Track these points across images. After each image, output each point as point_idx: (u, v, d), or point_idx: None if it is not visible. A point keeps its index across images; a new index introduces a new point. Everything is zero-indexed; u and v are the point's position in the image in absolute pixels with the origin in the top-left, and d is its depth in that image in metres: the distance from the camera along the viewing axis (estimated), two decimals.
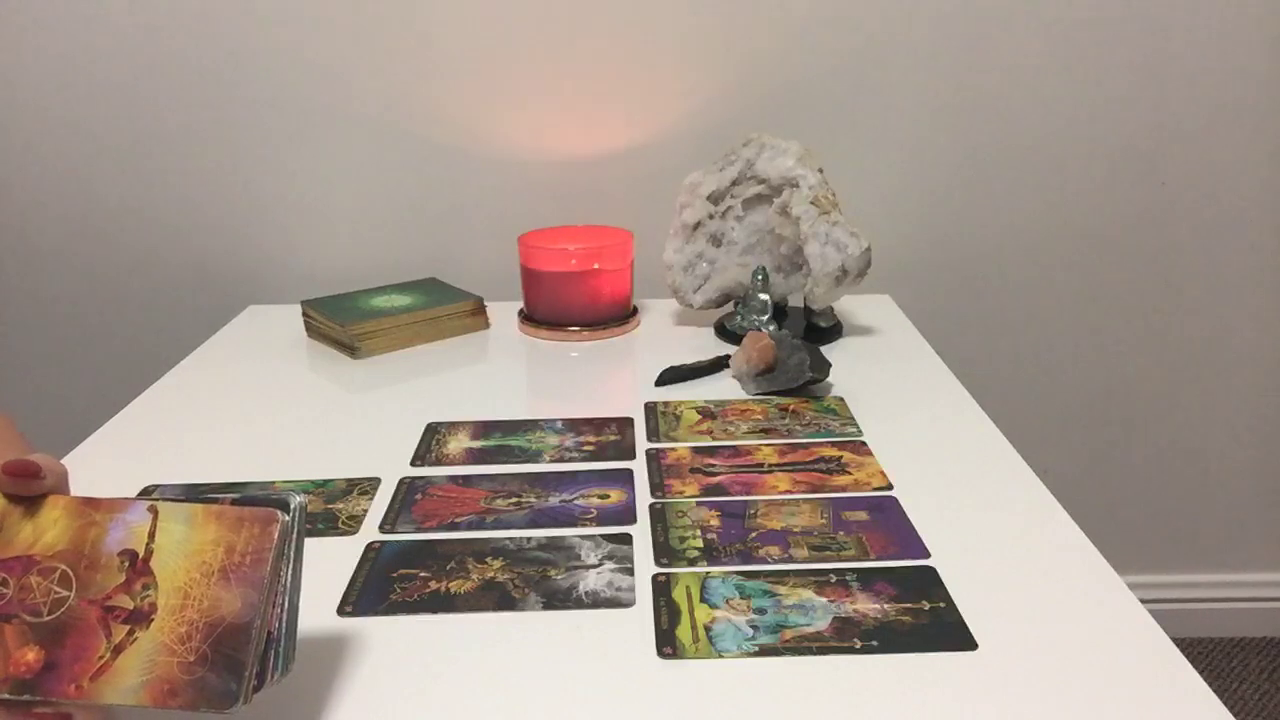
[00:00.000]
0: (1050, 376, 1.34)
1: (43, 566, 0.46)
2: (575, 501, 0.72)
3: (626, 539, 0.67)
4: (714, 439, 0.82)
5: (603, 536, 0.68)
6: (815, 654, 0.55)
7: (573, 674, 0.54)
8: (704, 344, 1.04)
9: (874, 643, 0.56)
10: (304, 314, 1.09)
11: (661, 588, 0.62)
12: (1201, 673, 1.00)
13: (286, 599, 0.46)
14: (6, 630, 0.45)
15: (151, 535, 0.46)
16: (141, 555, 0.46)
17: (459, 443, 0.82)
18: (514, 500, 0.73)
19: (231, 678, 0.43)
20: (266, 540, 0.45)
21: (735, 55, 1.19)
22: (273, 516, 0.45)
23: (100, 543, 0.46)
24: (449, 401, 0.91)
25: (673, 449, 0.81)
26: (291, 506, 0.46)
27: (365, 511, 0.71)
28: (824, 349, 1.00)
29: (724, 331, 1.06)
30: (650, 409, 0.88)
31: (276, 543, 0.45)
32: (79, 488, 0.54)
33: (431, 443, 0.82)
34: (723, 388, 0.93)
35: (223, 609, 0.44)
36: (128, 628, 0.44)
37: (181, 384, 0.97)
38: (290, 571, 0.46)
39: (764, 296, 1.04)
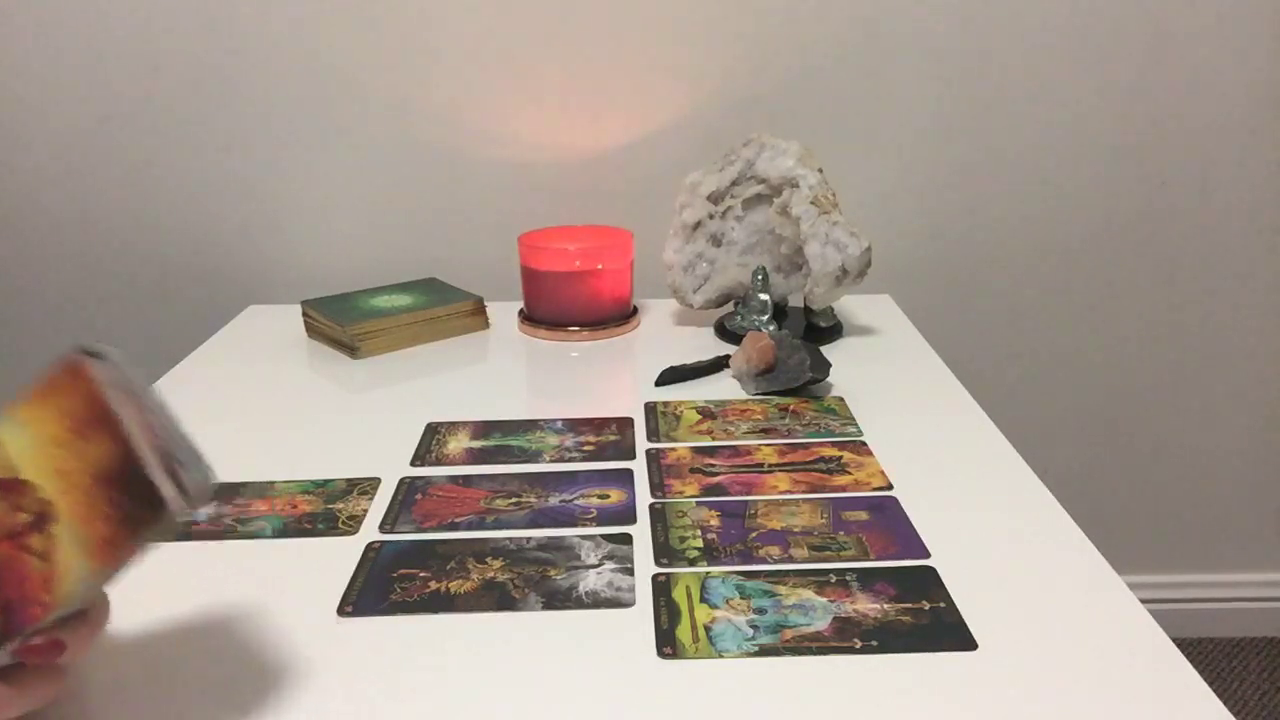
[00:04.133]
0: (1050, 376, 1.34)
1: None
2: (575, 501, 0.72)
3: (626, 539, 0.67)
4: (714, 439, 0.82)
5: (603, 536, 0.68)
6: (815, 654, 0.55)
7: (573, 674, 0.54)
8: (704, 344, 1.04)
9: (874, 643, 0.56)
10: (304, 314, 1.09)
11: (661, 588, 0.62)
12: (1201, 673, 1.00)
13: (154, 417, 0.45)
14: None
15: None
16: (3, 478, 0.45)
17: (459, 443, 0.82)
18: (514, 500, 0.73)
19: (152, 497, 0.43)
20: (87, 383, 0.44)
21: (735, 55, 1.19)
22: (77, 360, 0.45)
23: None
24: (449, 401, 0.91)
25: (673, 449, 0.81)
26: (94, 349, 0.45)
27: (365, 511, 0.71)
28: (824, 349, 1.00)
29: (724, 331, 1.06)
30: (650, 409, 0.88)
31: (99, 376, 0.44)
32: None
33: (431, 443, 0.82)
34: (723, 388, 0.93)
35: (103, 461, 0.44)
36: (41, 533, 0.44)
37: (181, 384, 0.97)
38: (139, 393, 0.45)
39: (764, 296, 1.04)
